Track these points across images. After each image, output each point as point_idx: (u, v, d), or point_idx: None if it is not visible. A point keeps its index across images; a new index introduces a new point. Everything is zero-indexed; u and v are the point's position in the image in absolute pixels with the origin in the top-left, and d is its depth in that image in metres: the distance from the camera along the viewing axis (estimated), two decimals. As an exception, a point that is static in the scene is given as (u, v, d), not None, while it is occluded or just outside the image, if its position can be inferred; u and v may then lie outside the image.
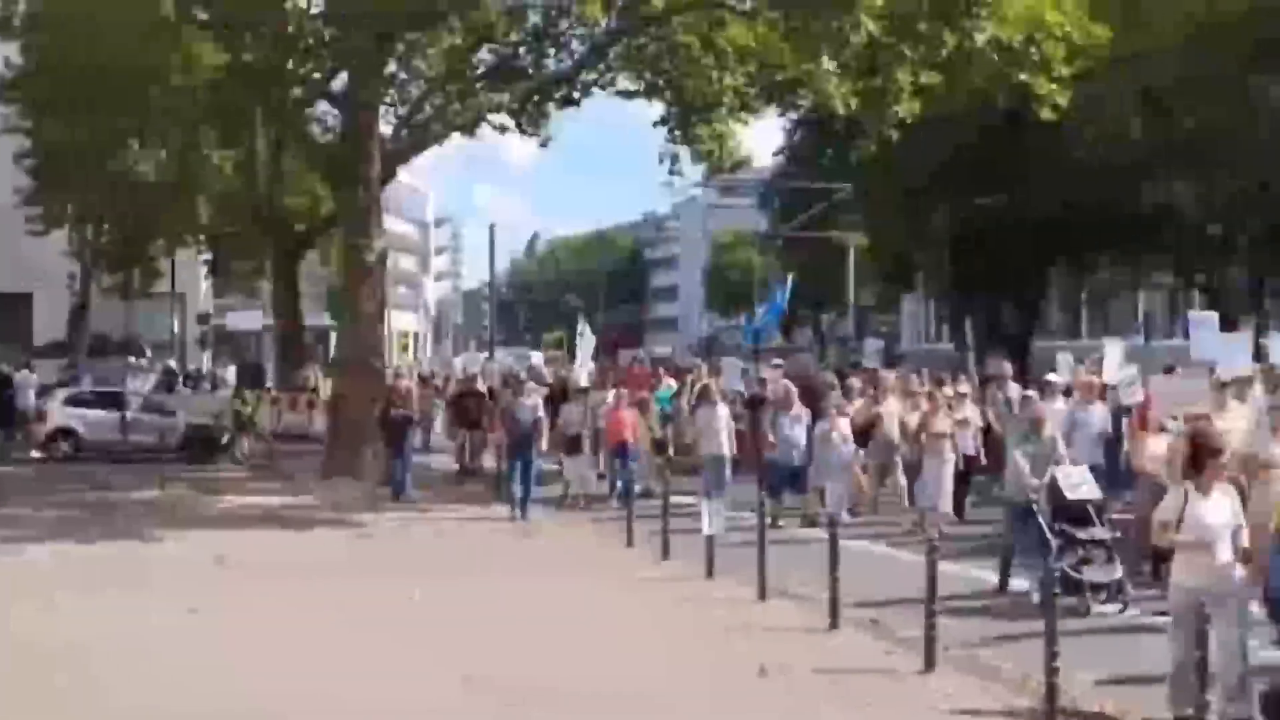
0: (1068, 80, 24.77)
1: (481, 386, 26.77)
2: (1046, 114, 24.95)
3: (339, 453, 25.16)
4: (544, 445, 22.01)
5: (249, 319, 55.04)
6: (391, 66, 30.86)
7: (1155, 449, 13.95)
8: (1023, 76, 24.84)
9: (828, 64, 23.56)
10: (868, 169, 39.16)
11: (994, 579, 14.21)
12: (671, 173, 31.24)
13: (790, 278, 33.00)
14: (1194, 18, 33.34)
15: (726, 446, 20.72)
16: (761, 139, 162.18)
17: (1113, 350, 20.75)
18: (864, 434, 19.98)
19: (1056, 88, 24.61)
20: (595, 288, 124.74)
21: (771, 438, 20.14)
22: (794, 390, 20.58)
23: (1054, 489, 13.39)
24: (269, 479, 25.98)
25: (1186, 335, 48.58)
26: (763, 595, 13.39)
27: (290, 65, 26.21)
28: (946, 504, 18.04)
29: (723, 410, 21.16)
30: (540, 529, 19.29)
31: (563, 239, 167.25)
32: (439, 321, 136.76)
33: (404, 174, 40.04)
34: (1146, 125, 34.38)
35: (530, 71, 31.33)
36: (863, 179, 43.89)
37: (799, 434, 19.52)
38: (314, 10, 26.35)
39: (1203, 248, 38.18)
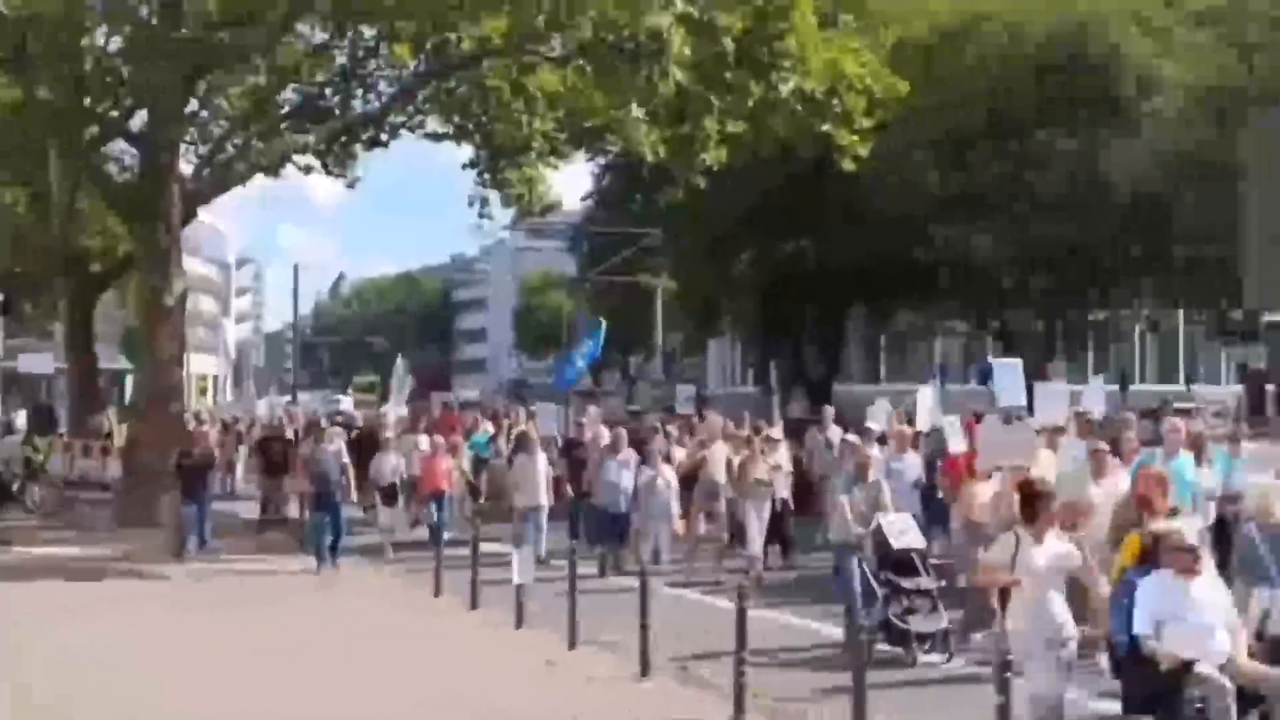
0: (868, 132, 25.34)
1: (289, 432, 26.31)
2: (848, 165, 25.48)
3: (134, 501, 24.35)
4: (352, 494, 21.51)
5: (41, 361, 52.99)
6: (194, 105, 30.23)
7: (983, 497, 13.94)
8: (825, 127, 25.36)
9: (636, 111, 23.73)
10: (675, 215, 39.58)
11: (819, 628, 14.15)
12: (481, 215, 31.21)
13: (602, 323, 33.12)
14: (987, 72, 34.50)
15: (545, 495, 20.35)
16: (570, 182, 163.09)
17: (924, 397, 20.89)
18: (688, 480, 19.66)
19: (857, 139, 25.17)
20: (402, 330, 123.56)
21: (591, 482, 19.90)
22: (623, 435, 20.30)
23: (879, 537, 13.26)
24: (61, 528, 25.00)
25: (981, 381, 50.21)
26: (573, 644, 13.25)
27: (87, 103, 25.41)
28: (758, 548, 18.13)
29: (541, 459, 20.77)
30: (346, 578, 18.91)
31: (369, 280, 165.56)
32: (240, 364, 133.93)
33: (205, 214, 39.17)
34: (943, 176, 35.37)
35: (337, 112, 30.94)
36: (671, 224, 44.33)
37: (626, 479, 19.21)
38: (113, 47, 25.65)
39: (995, 295, 39.37)
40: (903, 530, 13.36)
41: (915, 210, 35.23)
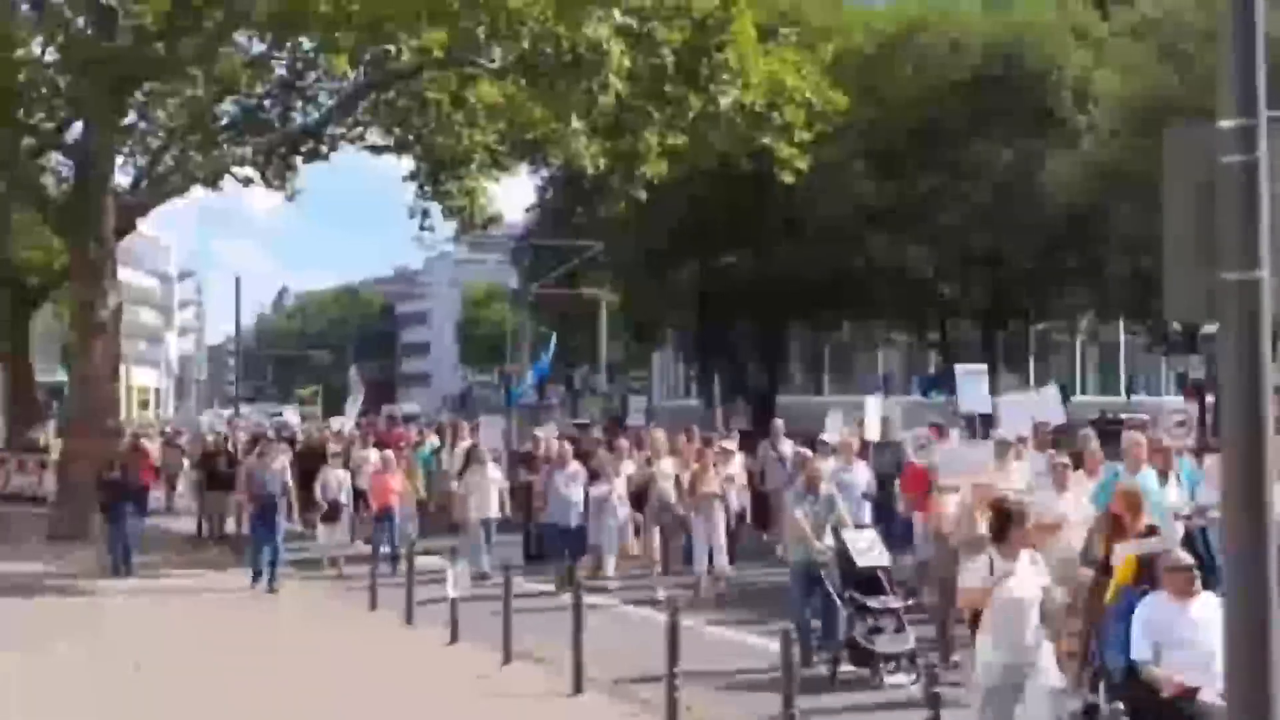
0: (807, 145, 25.37)
1: (231, 445, 26.01)
2: (788, 177, 25.50)
3: (68, 516, 24.00)
4: (294, 512, 21.19)
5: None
6: (131, 117, 29.90)
7: (948, 511, 13.40)
8: (765, 140, 25.37)
9: (576, 124, 23.63)
10: (616, 227, 39.53)
11: (769, 644, 13.70)
12: (422, 228, 30.98)
13: (553, 338, 32.90)
14: (924, 83, 34.68)
15: (495, 508, 19.96)
16: (513, 194, 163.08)
17: (872, 408, 20.57)
18: (639, 495, 19.25)
19: (797, 152, 25.18)
20: (345, 343, 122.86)
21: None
22: (569, 448, 19.94)
23: (843, 554, 12.77)
24: (-5, 545, 24.59)
25: (924, 392, 50.41)
26: (507, 659, 13.06)
27: (21, 114, 25.05)
28: (723, 559, 17.87)
29: (493, 470, 20.41)
30: (280, 594, 18.66)
31: (312, 293, 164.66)
32: (182, 377, 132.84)
33: (145, 226, 38.76)
34: (879, 187, 35.51)
35: (276, 124, 30.69)
36: (612, 236, 44.28)
37: (575, 493, 18.82)
38: (48, 58, 25.32)
39: (935, 306, 39.54)
40: (867, 547, 12.89)
41: (852, 221, 35.36)
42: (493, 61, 25.21)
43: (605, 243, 47.02)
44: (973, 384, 19.16)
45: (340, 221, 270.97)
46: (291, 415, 46.41)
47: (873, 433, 19.32)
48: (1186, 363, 35.86)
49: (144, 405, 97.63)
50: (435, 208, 30.44)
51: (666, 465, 19.12)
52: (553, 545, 18.87)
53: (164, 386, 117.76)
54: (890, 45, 36.92)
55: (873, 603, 12.37)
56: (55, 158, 29.89)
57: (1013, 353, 46.64)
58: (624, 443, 21.43)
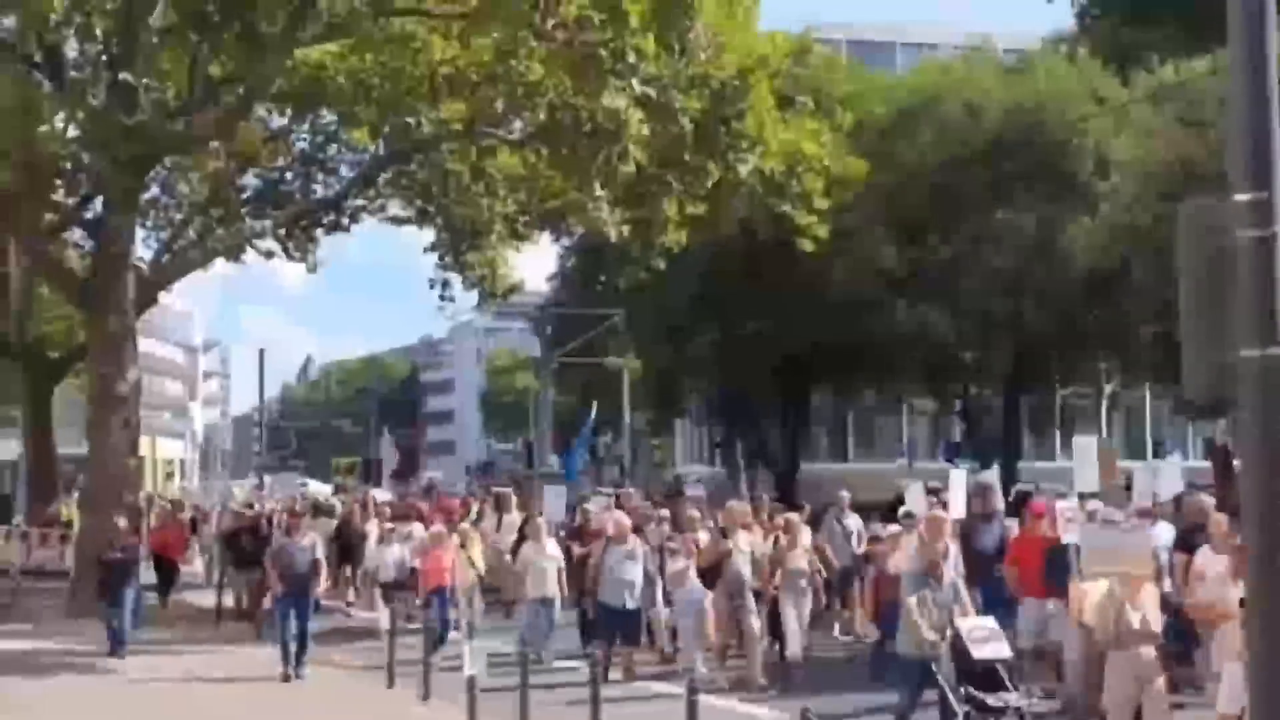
0: (826, 212, 25.39)
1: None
2: (807, 245, 25.50)
3: (89, 591, 23.87)
4: (321, 587, 19.38)
5: (3, 449, 52.57)
6: (153, 190, 30.14)
7: (1093, 600, 12.15)
8: (785, 208, 25.41)
9: (600, 192, 23.66)
10: (637, 295, 39.54)
11: None
12: (443, 298, 31.06)
13: (594, 409, 32.54)
14: (945, 151, 34.68)
15: (554, 587, 18.35)
16: (535, 263, 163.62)
17: (958, 481, 18.87)
18: (709, 573, 17.31)
19: (816, 219, 25.20)
20: (370, 412, 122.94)
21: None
22: (627, 522, 18.16)
23: (959, 646, 11.58)
24: (13, 620, 24.47)
25: (949, 459, 49.98)
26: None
27: (43, 190, 25.23)
28: (797, 646, 16.70)
29: (552, 546, 18.93)
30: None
31: (337, 363, 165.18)
32: (207, 448, 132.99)
33: (170, 297, 38.97)
34: (901, 255, 35.44)
35: (297, 196, 30.90)
36: (633, 304, 44.28)
37: (633, 571, 17.03)
38: (69, 134, 25.52)
39: (958, 372, 39.33)
40: (986, 636, 11.64)
41: (874, 288, 35.27)
42: (512, 132, 25.37)
43: (626, 311, 47.07)
44: (1088, 460, 17.06)
45: (367, 290, 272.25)
46: (322, 487, 45.68)
47: (958, 509, 17.73)
48: (1214, 427, 35.56)
49: (169, 477, 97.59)
50: (456, 278, 30.54)
51: (743, 540, 17.37)
52: (607, 628, 17.15)
53: (189, 458, 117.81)
54: (910, 113, 36.95)
55: (992, 700, 11.36)
56: (77, 232, 30.09)
57: (1037, 418, 46.36)
58: (695, 513, 19.93)
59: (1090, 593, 11.95)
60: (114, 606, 19.84)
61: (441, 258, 30.16)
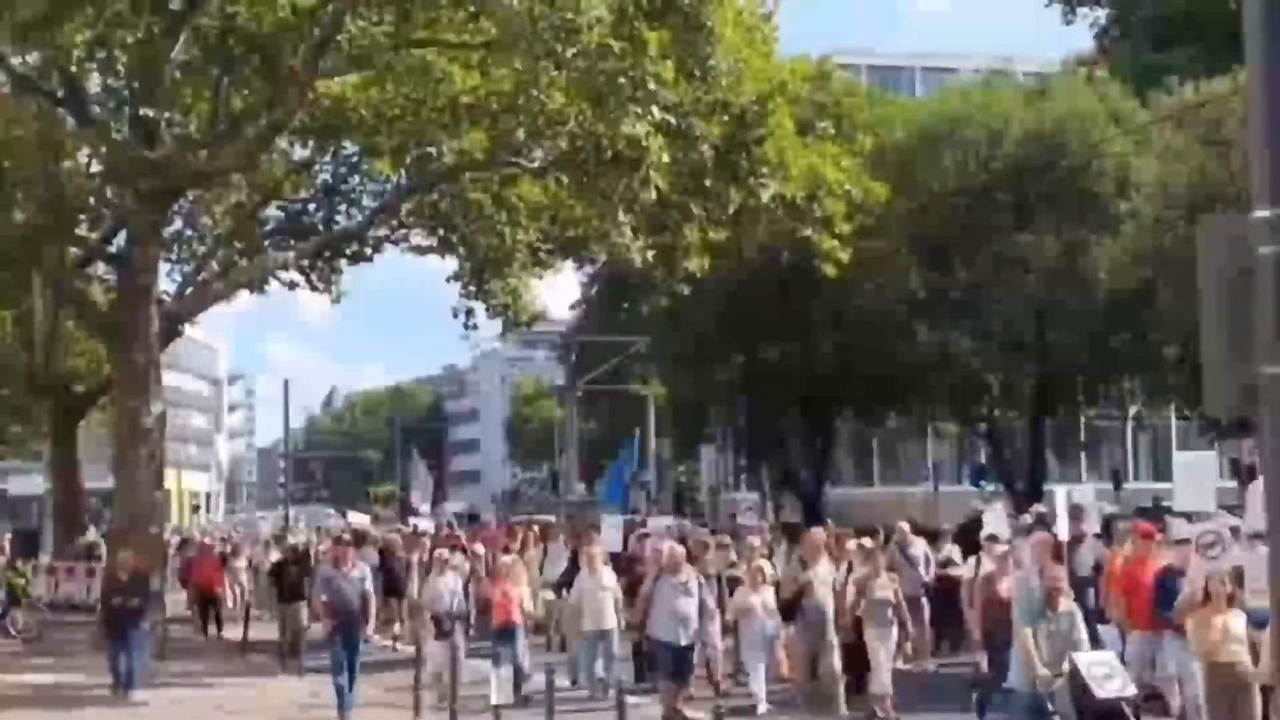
0: (848, 237, 25.34)
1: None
2: (830, 270, 25.43)
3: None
4: (370, 628, 17.85)
5: (30, 483, 52.79)
6: (176, 224, 30.30)
7: (1237, 631, 11.40)
8: (807, 232, 25.36)
9: (623, 218, 23.63)
10: (660, 321, 39.55)
11: None
12: (467, 327, 31.08)
13: (637, 435, 32.19)
14: (967, 175, 34.68)
15: (612, 618, 17.28)
16: (558, 291, 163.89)
17: (1062, 499, 17.65)
18: (788, 606, 16.24)
19: (838, 244, 25.14)
20: (394, 442, 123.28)
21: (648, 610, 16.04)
22: (680, 551, 16.65)
23: (1078, 683, 10.72)
24: (42, 654, 24.53)
25: (974, 482, 49.70)
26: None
27: (67, 225, 25.39)
28: (885, 683, 15.43)
29: (608, 576, 17.78)
30: (322, 699, 18.38)
31: (361, 393, 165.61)
32: (232, 481, 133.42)
33: (194, 330, 39.15)
34: (925, 279, 35.40)
35: (320, 228, 31.03)
36: (657, 331, 44.31)
37: (687, 606, 15.62)
38: (93, 169, 25.72)
39: (982, 395, 39.21)
40: (1107, 673, 10.78)
41: (898, 311, 35.23)
42: (533, 161, 25.40)
43: (650, 337, 47.08)
44: (1196, 475, 16.32)
45: (390, 320, 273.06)
46: (357, 516, 44.92)
47: (1064, 530, 16.32)
48: (1239, 447, 35.35)
49: (195, 509, 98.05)
50: (479, 307, 30.57)
51: (824, 570, 16.34)
52: (660, 665, 15.87)
53: (214, 490, 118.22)
54: (931, 138, 36.95)
55: None
56: (101, 266, 30.24)
57: (1061, 441, 46.17)
58: (755, 540, 19.03)
59: (1223, 627, 11.26)
60: (120, 643, 18.78)
61: (464, 287, 30.18)
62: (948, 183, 35.67)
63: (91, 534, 36.04)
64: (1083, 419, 46.58)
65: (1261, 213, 5.53)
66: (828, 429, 45.01)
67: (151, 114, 22.43)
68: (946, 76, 54.62)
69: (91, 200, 25.96)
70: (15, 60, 23.06)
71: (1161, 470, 60.87)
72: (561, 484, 69.56)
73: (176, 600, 28.57)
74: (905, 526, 20.67)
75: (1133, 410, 46.92)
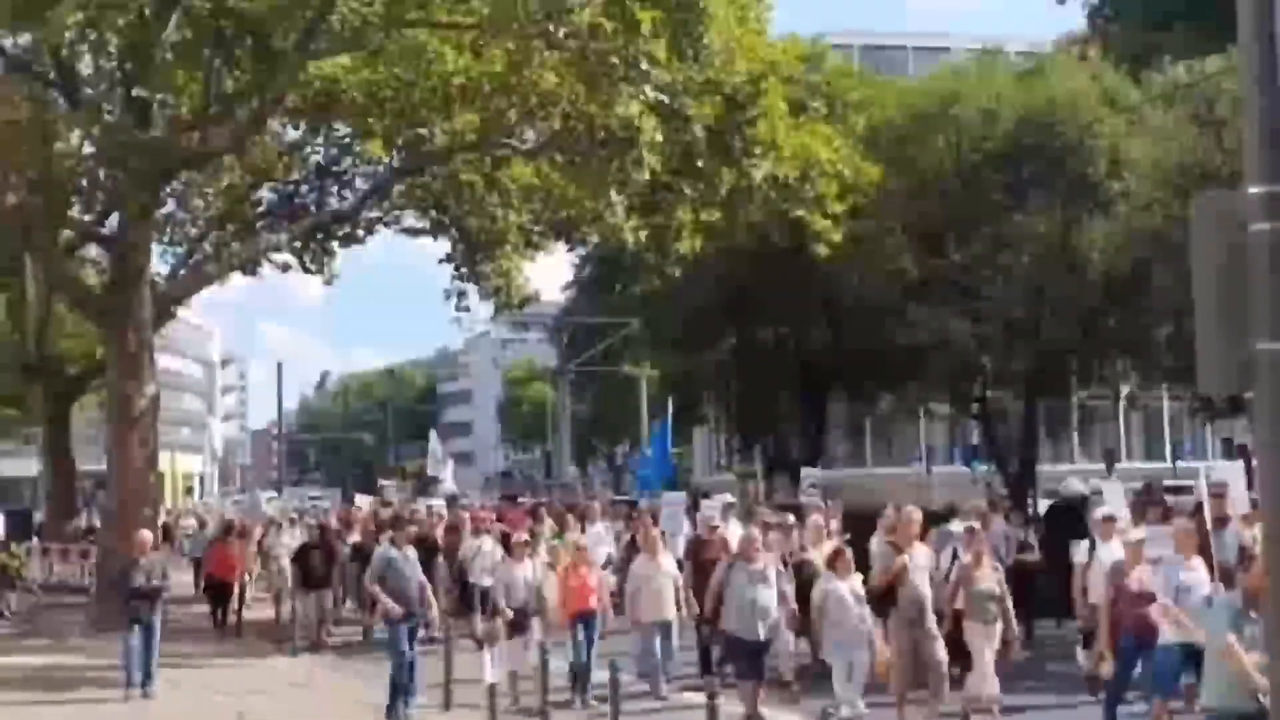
0: (841, 217, 25.35)
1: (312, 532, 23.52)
2: (822, 250, 25.44)
3: (110, 607, 23.90)
4: (435, 619, 16.50)
5: (23, 466, 52.89)
6: (168, 206, 30.24)
7: None
8: (799, 213, 25.37)
9: (616, 198, 23.60)
10: (653, 303, 39.51)
11: None
12: (459, 309, 31.08)
13: (669, 413, 31.62)
14: (960, 155, 34.64)
15: (672, 609, 16.11)
16: (551, 272, 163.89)
17: (1236, 473, 16.08)
18: (883, 595, 14.41)
19: (831, 224, 25.16)
20: (387, 424, 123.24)
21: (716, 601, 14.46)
22: (755, 536, 15.11)
23: None
24: (36, 636, 24.54)
25: (966, 463, 49.73)
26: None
27: (59, 208, 25.31)
28: (993, 683, 14.00)
29: (668, 562, 16.60)
30: (315, 678, 18.42)
31: (354, 375, 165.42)
32: (226, 463, 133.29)
33: (187, 312, 39.09)
34: (918, 260, 35.35)
35: (313, 209, 30.99)
36: (649, 313, 44.28)
37: (766, 596, 14.18)
38: (85, 150, 25.63)
39: (976, 377, 39.21)
40: None
41: (891, 293, 35.19)
42: (525, 142, 25.40)
43: (643, 319, 47.07)
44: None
45: (382, 302, 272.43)
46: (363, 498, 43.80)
47: (1243, 502, 14.81)
48: (1232, 427, 35.43)
49: (189, 491, 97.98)
50: (472, 289, 30.57)
51: (921, 554, 14.60)
52: (734, 663, 14.51)
53: (208, 472, 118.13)
54: (924, 118, 36.88)
55: None
56: (93, 249, 30.20)
57: (1054, 422, 46.24)
58: (818, 519, 17.86)
59: None
60: (139, 632, 17.43)
61: (457, 269, 30.19)
62: (941, 163, 35.59)
63: (84, 517, 36.08)
64: (1075, 400, 46.65)
65: (1254, 189, 5.53)
66: (821, 411, 45.00)
67: (143, 95, 22.36)
68: (939, 56, 54.57)
69: (83, 182, 25.87)
70: (6, 42, 23.03)
71: (1154, 450, 61.11)
72: (555, 466, 69.63)
73: (181, 581, 27.84)
74: (984, 505, 19.54)
75: (1125, 391, 46.94)
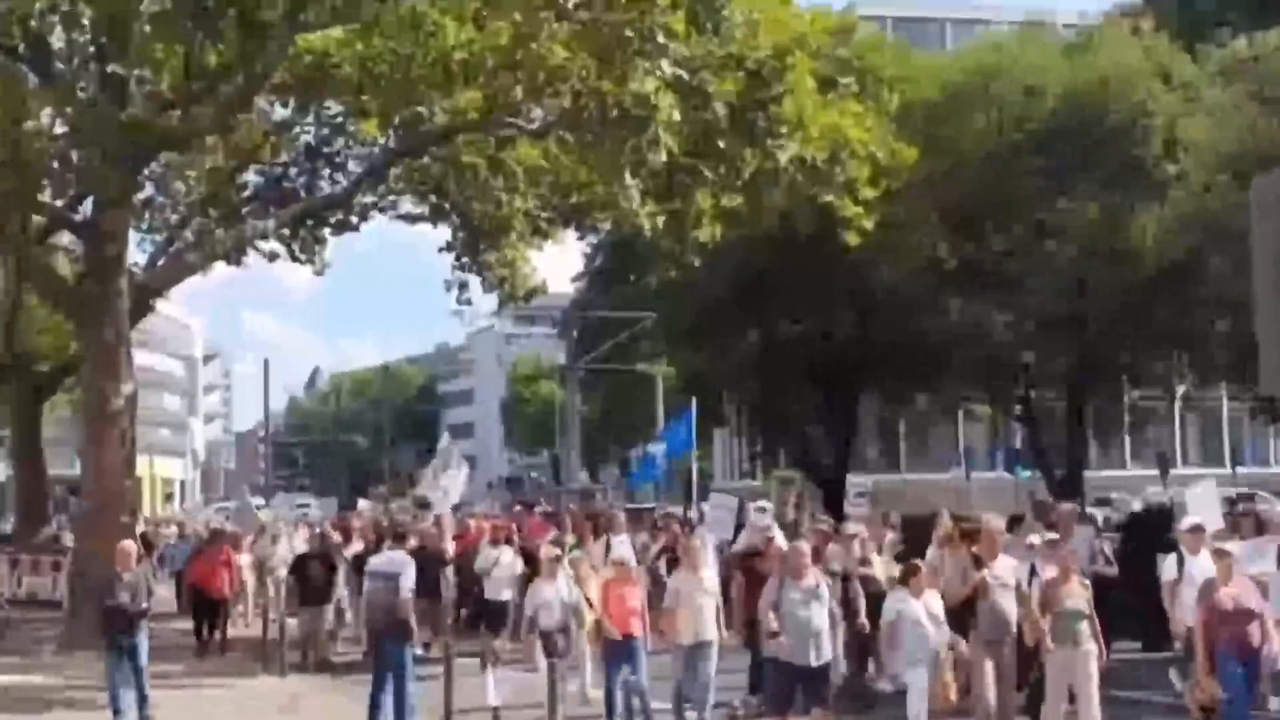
0: (872, 203, 25.28)
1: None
2: (852, 237, 25.38)
3: (83, 622, 23.94)
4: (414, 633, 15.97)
5: (-10, 469, 53.08)
6: (147, 190, 30.25)
7: None
8: (827, 197, 25.29)
9: (629, 182, 23.52)
10: (669, 295, 39.54)
11: None
12: (460, 302, 31.09)
13: (694, 403, 31.67)
14: (1000, 136, 34.61)
15: (713, 628, 15.48)
16: (559, 262, 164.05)
17: None
18: (958, 612, 14.07)
19: (862, 210, 25.08)
20: (383, 426, 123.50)
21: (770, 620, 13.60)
22: (804, 550, 14.28)
23: None
24: (4, 653, 24.56)
25: (1008, 467, 49.69)
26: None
27: (29, 191, 25.31)
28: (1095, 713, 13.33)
29: (710, 576, 16.02)
30: (304, 699, 18.45)
31: (347, 373, 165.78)
32: (209, 468, 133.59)
33: (167, 305, 39.15)
34: (954, 248, 35.33)
35: (302, 194, 31.01)
36: (665, 306, 44.32)
37: (818, 617, 13.52)
38: (57, 130, 25.64)
39: (1017, 374, 39.17)
40: None
41: (925, 284, 35.18)
42: (532, 121, 25.34)
43: (658, 312, 47.10)
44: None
45: (378, 294, 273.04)
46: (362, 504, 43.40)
47: None
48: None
49: (168, 498, 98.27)
50: (474, 280, 30.57)
51: (1005, 568, 14.02)
52: (786, 688, 13.67)
53: (189, 477, 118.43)
54: (962, 95, 36.87)
55: None
56: (66, 237, 30.21)
57: (1103, 423, 46.13)
58: (860, 530, 17.52)
59: None
60: (123, 658, 16.63)
61: (458, 258, 30.20)
62: (979, 144, 35.57)
63: (63, 523, 36.12)
64: (1126, 400, 46.55)
65: (1324, 170, 5.48)
66: (850, 411, 44.98)
67: (120, 71, 22.34)
68: (979, 29, 54.53)
69: (55, 164, 25.84)
70: (-27, 13, 23.03)
71: (1211, 454, 60.99)
72: (563, 470, 69.67)
73: (161, 597, 27.86)
74: (1068, 509, 18.98)
75: (1180, 390, 46.87)
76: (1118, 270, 33.92)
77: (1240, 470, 53.73)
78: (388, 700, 14.78)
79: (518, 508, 36.68)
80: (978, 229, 36.08)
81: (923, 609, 13.66)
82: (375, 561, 15.83)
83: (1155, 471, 51.46)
